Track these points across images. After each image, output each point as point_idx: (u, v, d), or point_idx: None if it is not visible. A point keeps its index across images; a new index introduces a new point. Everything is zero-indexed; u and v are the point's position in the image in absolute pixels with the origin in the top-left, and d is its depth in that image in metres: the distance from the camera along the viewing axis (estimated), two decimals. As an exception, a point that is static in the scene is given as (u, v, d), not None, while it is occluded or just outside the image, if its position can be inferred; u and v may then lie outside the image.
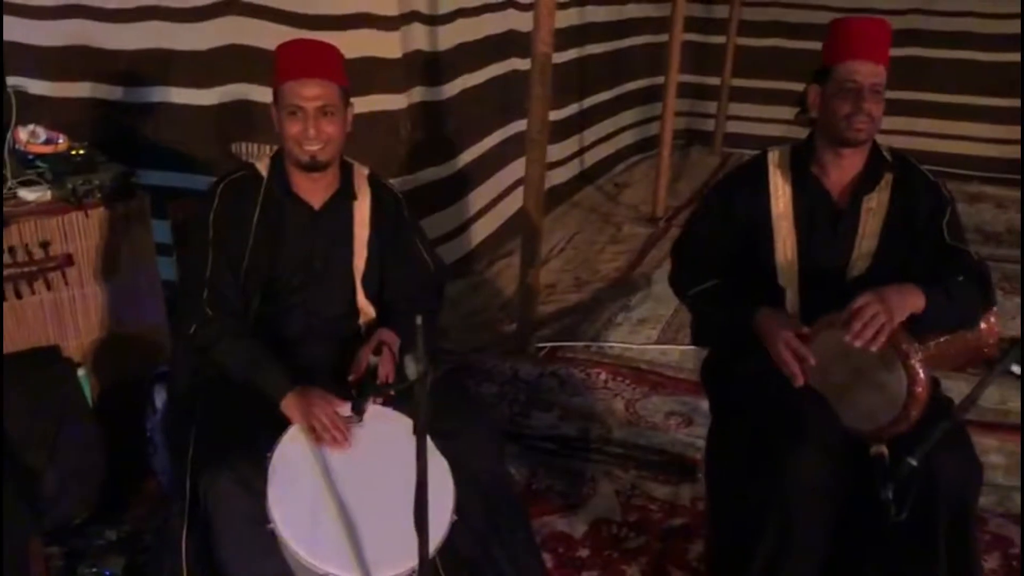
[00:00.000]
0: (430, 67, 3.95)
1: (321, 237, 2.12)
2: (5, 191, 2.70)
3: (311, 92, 1.99)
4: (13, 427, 2.33)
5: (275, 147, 2.25)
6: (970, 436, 1.91)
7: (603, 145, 6.30)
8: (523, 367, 3.44)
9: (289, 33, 3.52)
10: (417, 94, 3.87)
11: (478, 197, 4.56)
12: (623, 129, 6.58)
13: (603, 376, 3.39)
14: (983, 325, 1.94)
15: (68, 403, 2.39)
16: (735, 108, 6.97)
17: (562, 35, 5.33)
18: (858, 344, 1.80)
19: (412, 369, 1.41)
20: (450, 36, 4.08)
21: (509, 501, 2.09)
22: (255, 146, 3.69)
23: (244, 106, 3.59)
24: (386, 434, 1.90)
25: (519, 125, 4.90)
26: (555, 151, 5.39)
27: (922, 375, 1.81)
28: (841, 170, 2.09)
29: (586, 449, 2.93)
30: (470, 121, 4.36)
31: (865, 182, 2.09)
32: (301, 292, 2.11)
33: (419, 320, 1.41)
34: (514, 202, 4.81)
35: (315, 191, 2.12)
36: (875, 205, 2.08)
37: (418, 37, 3.83)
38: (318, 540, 1.73)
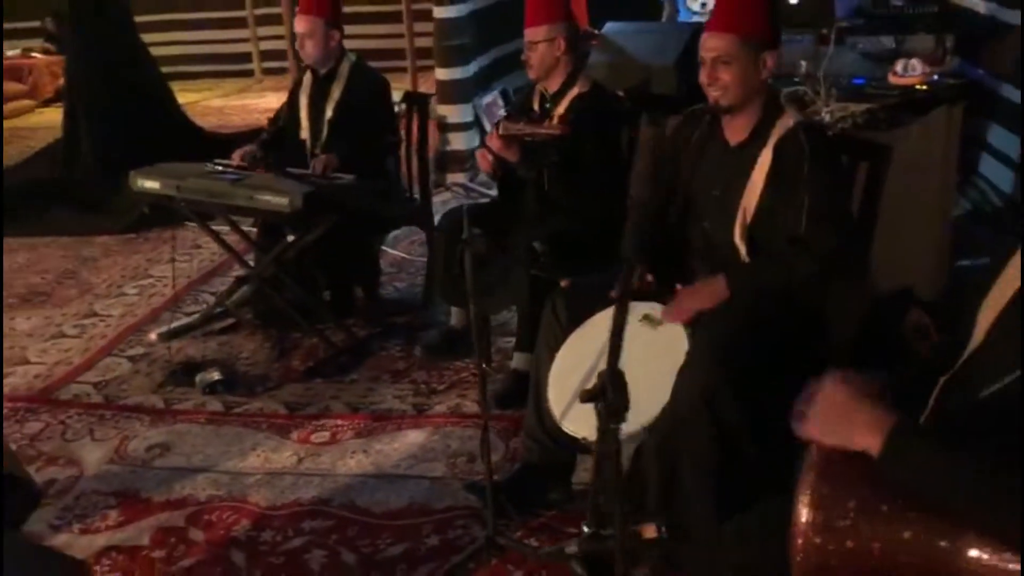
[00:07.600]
0: None
1: (726, 172, 2.44)
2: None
3: (711, 44, 2.34)
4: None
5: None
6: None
7: None
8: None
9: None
10: None
11: None
12: None
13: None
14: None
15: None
16: None
17: None
18: None
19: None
20: None
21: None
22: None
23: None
24: (670, 339, 2.26)
25: None
26: None
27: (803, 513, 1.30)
28: None
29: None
30: None
31: None
32: (702, 214, 2.51)
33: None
34: None
35: (734, 131, 2.44)
36: None
37: None
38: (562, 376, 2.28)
